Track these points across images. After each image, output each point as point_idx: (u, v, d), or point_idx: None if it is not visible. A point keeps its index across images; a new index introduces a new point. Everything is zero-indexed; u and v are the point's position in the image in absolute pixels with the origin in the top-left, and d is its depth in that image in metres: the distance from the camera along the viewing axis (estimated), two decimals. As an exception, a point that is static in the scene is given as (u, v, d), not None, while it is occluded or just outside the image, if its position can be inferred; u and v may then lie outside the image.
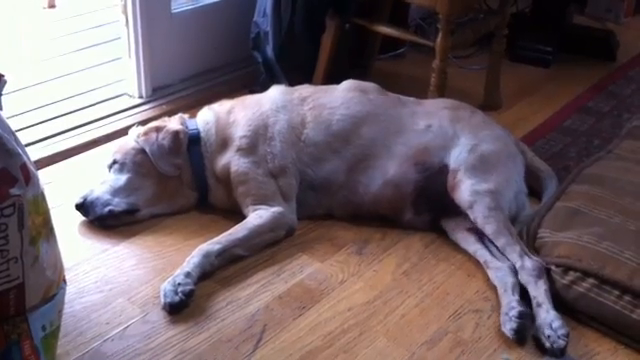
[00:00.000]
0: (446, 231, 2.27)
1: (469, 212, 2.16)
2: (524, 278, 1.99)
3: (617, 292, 1.88)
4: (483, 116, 2.48)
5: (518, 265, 2.02)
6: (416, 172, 2.27)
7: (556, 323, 1.85)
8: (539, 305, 1.91)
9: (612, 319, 1.89)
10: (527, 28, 3.64)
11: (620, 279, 1.88)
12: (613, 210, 2.13)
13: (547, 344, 1.83)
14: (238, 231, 2.14)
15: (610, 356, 1.85)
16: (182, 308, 1.91)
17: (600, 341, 1.90)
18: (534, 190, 2.40)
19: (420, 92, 2.71)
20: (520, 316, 1.86)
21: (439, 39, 2.75)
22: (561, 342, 1.82)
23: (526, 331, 1.86)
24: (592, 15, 4.22)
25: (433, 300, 2.02)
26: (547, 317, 1.87)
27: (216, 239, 2.10)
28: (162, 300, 1.92)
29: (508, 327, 1.86)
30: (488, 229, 2.11)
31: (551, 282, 1.97)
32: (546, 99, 3.28)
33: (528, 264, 2.00)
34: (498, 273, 2.05)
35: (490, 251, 2.14)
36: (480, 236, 2.17)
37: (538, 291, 1.94)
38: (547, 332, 1.84)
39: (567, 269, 1.96)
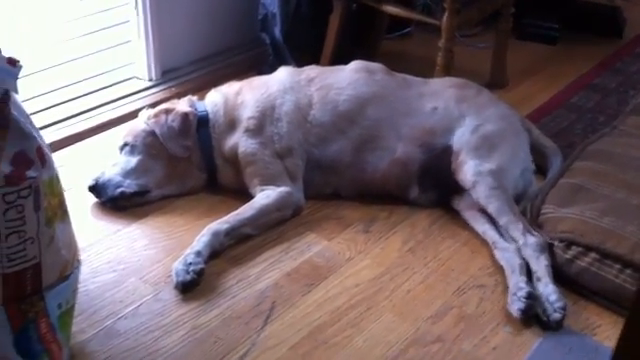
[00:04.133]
0: (457, 210, 2.30)
1: (472, 192, 2.19)
2: (527, 253, 2.02)
3: (618, 266, 1.91)
4: (489, 94, 2.49)
5: (521, 242, 2.05)
6: (421, 152, 2.29)
7: (553, 296, 1.88)
8: (539, 279, 1.95)
9: (613, 293, 1.92)
10: (533, 5, 3.62)
11: (622, 253, 1.91)
12: (616, 186, 2.15)
13: (544, 317, 1.86)
14: (246, 210, 2.18)
15: (611, 329, 1.88)
16: (193, 286, 1.96)
17: (602, 314, 1.93)
18: (540, 167, 2.42)
19: (427, 71, 2.72)
20: (529, 296, 1.88)
21: (445, 18, 2.76)
22: (557, 315, 1.85)
23: (532, 311, 1.88)
24: (599, -9, 4.20)
25: (438, 276, 2.06)
26: (545, 290, 1.90)
27: (225, 218, 2.14)
28: (174, 279, 1.96)
29: (516, 307, 1.88)
30: (490, 208, 2.14)
31: (554, 257, 2.00)
32: (552, 76, 3.29)
33: (531, 240, 2.03)
34: (505, 254, 2.07)
35: (499, 232, 2.16)
36: (490, 216, 2.19)
37: (539, 265, 1.98)
38: (544, 305, 1.88)
39: (570, 244, 1.99)
